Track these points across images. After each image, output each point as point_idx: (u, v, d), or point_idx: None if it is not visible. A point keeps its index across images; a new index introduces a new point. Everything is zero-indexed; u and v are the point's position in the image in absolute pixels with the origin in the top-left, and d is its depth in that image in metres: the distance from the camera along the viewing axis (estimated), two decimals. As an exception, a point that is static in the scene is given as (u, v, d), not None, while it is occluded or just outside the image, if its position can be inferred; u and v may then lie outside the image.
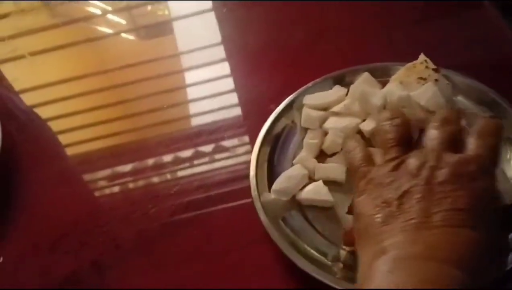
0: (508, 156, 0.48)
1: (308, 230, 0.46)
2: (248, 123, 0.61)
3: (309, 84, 0.57)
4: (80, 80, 0.73)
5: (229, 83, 0.68)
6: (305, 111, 0.53)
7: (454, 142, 0.37)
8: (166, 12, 0.86)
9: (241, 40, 0.73)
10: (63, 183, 0.58)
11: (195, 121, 0.66)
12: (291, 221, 0.47)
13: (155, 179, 0.57)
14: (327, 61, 0.64)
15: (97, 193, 0.58)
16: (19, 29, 0.83)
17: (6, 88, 0.74)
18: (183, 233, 0.50)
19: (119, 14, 0.85)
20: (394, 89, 0.50)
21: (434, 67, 0.51)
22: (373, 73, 0.54)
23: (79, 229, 0.52)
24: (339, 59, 0.64)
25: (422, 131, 0.40)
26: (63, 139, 0.66)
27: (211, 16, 0.79)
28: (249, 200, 0.49)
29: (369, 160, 0.39)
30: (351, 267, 0.42)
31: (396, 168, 0.36)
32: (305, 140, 0.52)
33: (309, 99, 0.55)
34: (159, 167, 0.58)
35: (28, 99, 0.72)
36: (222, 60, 0.72)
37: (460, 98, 0.53)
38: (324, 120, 0.53)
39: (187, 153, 0.59)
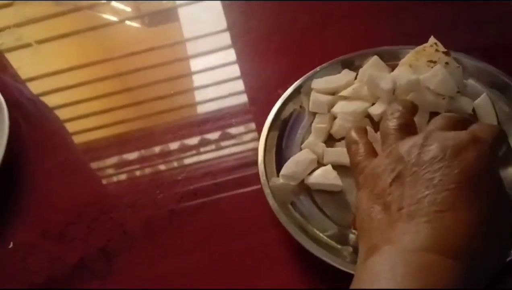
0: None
1: (317, 215, 0.46)
2: (255, 110, 0.61)
3: (317, 69, 0.56)
4: (85, 68, 0.73)
5: (235, 70, 0.67)
6: (314, 95, 0.53)
7: (454, 128, 0.34)
8: (171, -1, 0.85)
9: (247, 25, 0.72)
10: (70, 170, 0.58)
11: (201, 109, 0.65)
12: (300, 206, 0.47)
13: (162, 167, 0.57)
14: (334, 45, 0.63)
15: (104, 181, 0.58)
16: (24, 18, 0.82)
17: (11, 77, 0.73)
18: (191, 220, 0.50)
19: (123, 2, 0.84)
20: (403, 73, 0.49)
21: (444, 50, 0.51)
22: (382, 56, 0.54)
23: (86, 216, 0.52)
24: (347, 42, 0.63)
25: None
26: (69, 127, 0.66)
27: (216, 2, 0.79)
28: (257, 186, 0.48)
29: (369, 153, 0.38)
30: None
31: (388, 155, 0.34)
32: (313, 124, 0.52)
33: (317, 84, 0.54)
34: (165, 155, 0.58)
35: (33, 87, 0.72)
36: (227, 47, 0.71)
37: (471, 82, 0.53)
38: (332, 104, 0.52)
39: (193, 140, 0.58)
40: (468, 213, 0.29)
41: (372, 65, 0.52)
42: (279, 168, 0.49)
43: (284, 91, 0.55)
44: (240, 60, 0.68)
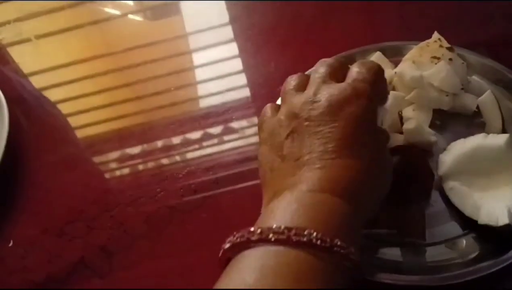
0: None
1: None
2: (257, 104, 0.60)
3: (320, 64, 0.56)
4: (87, 63, 0.73)
5: (238, 64, 0.67)
6: None
7: (336, 75, 0.39)
8: (174, -8, 0.85)
9: (249, 19, 0.72)
10: (71, 167, 0.58)
11: (204, 103, 0.65)
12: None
13: (164, 162, 0.57)
14: (337, 40, 0.63)
15: (104, 177, 0.58)
16: (25, 12, 0.82)
17: (12, 71, 0.73)
18: (192, 217, 0.50)
19: (126, -5, 0.84)
20: (406, 69, 0.49)
21: (448, 45, 0.50)
22: (385, 52, 0.53)
23: (87, 214, 0.52)
24: (350, 38, 0.62)
25: None
26: (71, 122, 0.66)
27: (220, -5, 0.78)
28: (258, 181, 0.48)
29: (273, 114, 0.40)
30: (362, 250, 0.41)
31: (284, 112, 0.38)
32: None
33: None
34: (167, 150, 0.57)
35: (35, 82, 0.72)
36: (230, 41, 0.70)
37: (475, 78, 0.52)
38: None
39: (195, 135, 0.58)
40: (354, 160, 0.34)
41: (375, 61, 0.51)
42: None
43: (286, 86, 0.54)
44: (243, 54, 0.68)
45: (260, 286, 0.27)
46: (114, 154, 0.59)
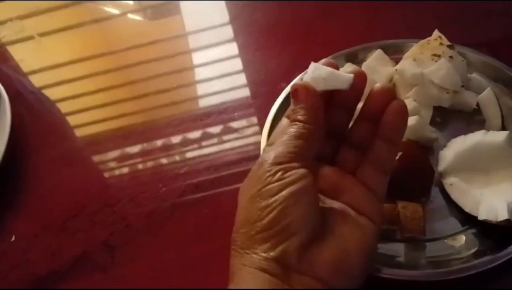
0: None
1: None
2: (257, 103, 0.60)
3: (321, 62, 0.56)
4: (87, 61, 0.73)
5: (238, 63, 0.67)
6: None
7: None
8: (173, -8, 0.85)
9: (249, 18, 0.72)
10: (73, 163, 0.58)
11: (204, 102, 0.65)
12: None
13: (164, 160, 0.57)
14: (337, 38, 0.63)
15: (106, 174, 0.58)
16: (26, 10, 0.82)
17: (14, 69, 0.73)
18: (193, 214, 0.50)
19: (126, -6, 0.84)
20: (407, 66, 0.49)
21: (449, 43, 0.50)
22: (386, 50, 0.53)
23: (89, 209, 0.52)
24: (351, 35, 0.63)
25: None
26: (71, 120, 0.66)
27: (220, -6, 0.78)
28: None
29: None
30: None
31: None
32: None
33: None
34: (168, 148, 0.58)
35: (35, 80, 0.72)
36: (230, 40, 0.71)
37: (475, 76, 0.52)
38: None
39: (196, 134, 0.58)
40: None
41: (375, 59, 0.52)
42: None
43: (287, 85, 0.55)
44: (243, 53, 0.68)
45: None
46: (116, 152, 0.59)
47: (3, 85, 0.63)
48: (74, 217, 0.52)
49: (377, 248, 0.35)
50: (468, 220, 0.42)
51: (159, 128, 0.60)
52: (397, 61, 0.52)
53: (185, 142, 0.58)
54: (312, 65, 0.35)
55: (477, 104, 0.50)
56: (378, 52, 0.53)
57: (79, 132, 0.65)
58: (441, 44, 0.50)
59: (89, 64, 0.72)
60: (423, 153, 0.46)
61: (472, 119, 0.50)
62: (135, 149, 0.58)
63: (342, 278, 0.31)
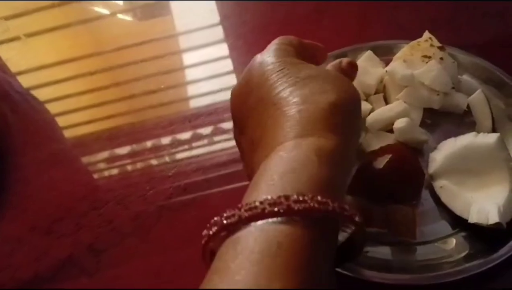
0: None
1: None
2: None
3: (310, 64, 0.55)
4: (76, 62, 0.72)
5: (228, 64, 0.67)
6: None
7: None
8: (163, -8, 0.84)
9: (240, 18, 0.71)
10: (59, 165, 0.57)
11: (194, 103, 0.64)
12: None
13: (153, 162, 0.56)
14: (328, 39, 0.62)
15: (93, 176, 0.57)
16: (13, 10, 0.81)
17: (0, 69, 0.72)
18: (181, 216, 0.49)
19: (115, -6, 0.84)
20: (397, 67, 0.49)
21: (439, 45, 0.50)
22: (376, 51, 0.53)
23: (75, 212, 0.51)
24: (341, 36, 0.62)
25: None
26: (59, 121, 0.65)
27: (210, -6, 0.78)
28: (247, 182, 0.47)
29: None
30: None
31: None
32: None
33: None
34: (156, 150, 0.57)
35: (23, 80, 0.71)
36: (220, 41, 0.70)
37: (465, 77, 0.52)
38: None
39: (185, 135, 0.57)
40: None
41: (366, 60, 0.52)
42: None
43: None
44: (233, 54, 0.67)
45: (265, 277, 0.22)
46: (103, 153, 0.58)
47: (-12, 85, 0.62)
48: (60, 220, 0.51)
49: None
50: (458, 223, 0.42)
51: (148, 129, 0.59)
52: (387, 62, 0.51)
53: (174, 144, 0.57)
54: None
55: (468, 106, 0.49)
56: (368, 53, 0.52)
57: (66, 133, 0.64)
58: (431, 45, 0.50)
59: (78, 64, 0.72)
60: (413, 156, 0.46)
61: (463, 121, 0.49)
62: (123, 150, 0.57)
63: None
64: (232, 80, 0.64)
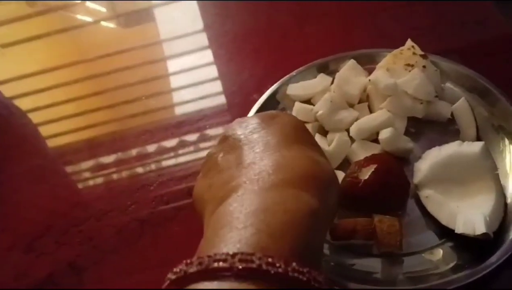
0: (500, 147, 0.46)
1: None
2: (233, 112, 0.59)
3: (293, 73, 0.55)
4: (59, 71, 0.71)
5: (212, 71, 0.66)
6: (298, 105, 0.51)
7: None
8: (147, -1, 0.83)
9: (224, 26, 0.71)
10: (38, 181, 0.56)
11: (178, 110, 0.64)
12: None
13: (136, 172, 0.55)
14: (310, 48, 0.62)
15: (74, 190, 0.56)
16: (-6, 19, 0.80)
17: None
18: (164, 230, 0.48)
19: (99, 2, 0.83)
20: (380, 76, 0.48)
21: (422, 53, 0.50)
22: (359, 60, 0.53)
23: (55, 229, 0.50)
24: (324, 45, 0.62)
25: None
26: (41, 131, 0.64)
27: (193, 2, 0.77)
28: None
29: None
30: (339, 263, 0.41)
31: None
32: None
33: (293, 90, 0.53)
34: (140, 159, 0.56)
35: (4, 90, 0.70)
36: (204, 48, 0.69)
37: (449, 85, 0.52)
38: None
39: (170, 143, 0.57)
40: (303, 150, 0.31)
41: (348, 69, 0.51)
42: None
43: (259, 96, 0.54)
44: (217, 61, 0.67)
45: None
46: (84, 165, 0.57)
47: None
48: (39, 237, 0.50)
49: None
50: (445, 232, 0.41)
51: (132, 138, 0.58)
52: (370, 71, 0.51)
53: (159, 152, 0.56)
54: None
55: (452, 114, 0.49)
56: (351, 62, 0.52)
57: (48, 144, 0.63)
58: (414, 53, 0.49)
59: (61, 73, 0.71)
60: (398, 165, 0.45)
61: (447, 129, 0.49)
62: (106, 160, 0.57)
63: None
64: (216, 87, 0.64)
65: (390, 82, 0.47)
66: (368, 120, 0.48)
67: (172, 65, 0.70)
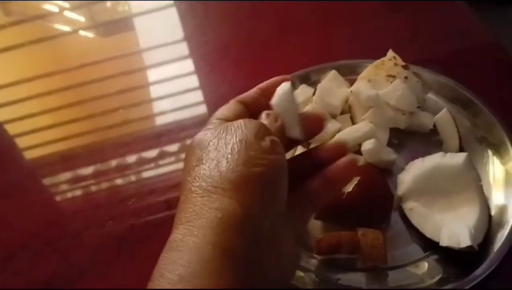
0: (483, 158, 0.46)
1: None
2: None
3: (274, 84, 0.54)
4: (35, 81, 0.70)
5: (193, 81, 0.65)
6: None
7: None
8: (126, 8, 0.83)
9: (204, 36, 0.70)
10: (11, 199, 0.54)
11: (158, 121, 0.63)
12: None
13: (115, 183, 0.54)
14: (291, 58, 0.62)
15: (48, 207, 0.54)
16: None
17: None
18: (142, 248, 0.47)
19: (77, 11, 0.82)
20: (362, 88, 0.48)
21: (403, 64, 0.50)
22: (340, 70, 0.52)
23: (29, 247, 0.48)
24: (305, 56, 0.61)
25: None
26: (14, 144, 0.62)
27: (173, 11, 0.77)
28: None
29: None
30: (324, 278, 0.41)
31: None
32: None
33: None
34: (119, 170, 0.55)
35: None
36: (185, 57, 0.69)
37: (431, 96, 0.52)
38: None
39: (150, 154, 0.56)
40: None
41: (330, 80, 0.51)
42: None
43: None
44: (198, 71, 0.66)
45: None
46: (61, 178, 0.56)
47: None
48: (12, 257, 0.48)
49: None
50: (430, 245, 0.41)
51: (110, 150, 0.57)
52: (352, 82, 0.51)
53: (139, 163, 0.55)
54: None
55: (434, 125, 0.49)
56: (333, 73, 0.51)
57: (22, 158, 0.61)
58: (395, 64, 0.49)
59: (39, 83, 0.69)
60: (382, 178, 0.45)
61: (430, 139, 0.49)
62: (83, 172, 0.55)
63: None
64: (197, 97, 0.63)
65: (372, 94, 0.46)
66: (350, 131, 0.47)
67: (152, 75, 0.69)
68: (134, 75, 0.69)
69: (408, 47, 0.57)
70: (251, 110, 0.35)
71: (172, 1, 0.78)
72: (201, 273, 0.25)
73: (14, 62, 0.74)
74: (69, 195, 0.54)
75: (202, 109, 0.61)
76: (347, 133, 0.47)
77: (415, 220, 0.42)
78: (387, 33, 0.63)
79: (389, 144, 0.48)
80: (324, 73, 0.53)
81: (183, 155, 0.53)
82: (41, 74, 0.70)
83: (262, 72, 0.60)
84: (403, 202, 0.44)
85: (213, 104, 0.60)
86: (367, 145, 0.45)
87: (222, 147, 0.30)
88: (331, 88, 0.49)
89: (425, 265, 0.41)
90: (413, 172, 0.44)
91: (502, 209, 0.42)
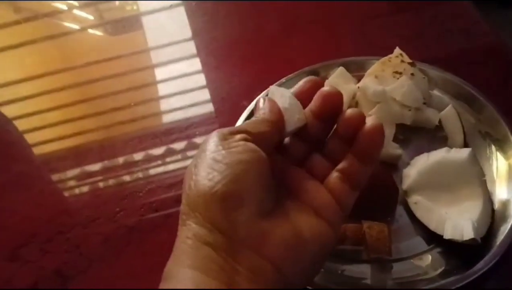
0: (487, 153, 0.47)
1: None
2: (221, 120, 0.59)
3: (283, 80, 0.55)
4: (45, 78, 0.70)
5: (201, 79, 0.66)
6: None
7: None
8: (135, 7, 0.83)
9: (212, 34, 0.71)
10: (25, 186, 0.55)
11: (166, 118, 0.63)
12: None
13: (123, 180, 0.55)
14: (300, 55, 0.62)
15: (60, 197, 0.55)
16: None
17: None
18: (152, 237, 0.48)
19: (86, 9, 0.83)
20: (369, 83, 0.49)
21: (410, 60, 0.50)
22: (348, 67, 0.53)
23: (40, 236, 0.49)
24: (313, 53, 0.62)
25: None
26: (26, 139, 0.63)
27: (181, 10, 0.77)
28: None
29: None
30: (329, 269, 0.41)
31: None
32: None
33: (282, 96, 0.52)
34: (127, 166, 0.56)
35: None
36: (192, 56, 0.69)
37: (436, 93, 0.52)
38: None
39: (157, 151, 0.56)
40: None
41: (338, 76, 0.51)
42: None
43: (249, 103, 0.54)
44: (205, 69, 0.67)
45: None
46: (71, 172, 0.57)
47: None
48: (24, 245, 0.49)
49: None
50: (433, 238, 0.42)
51: (119, 146, 0.58)
52: (359, 79, 0.51)
53: (147, 160, 0.56)
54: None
55: (439, 121, 0.49)
56: (340, 69, 0.52)
57: (34, 151, 0.62)
58: (402, 61, 0.50)
59: (48, 80, 0.70)
60: (387, 172, 0.46)
61: (435, 136, 0.50)
62: (93, 168, 0.56)
63: (293, 265, 0.29)
64: (205, 95, 0.63)
65: (379, 89, 0.47)
66: (357, 127, 0.48)
67: (160, 73, 0.69)
68: (143, 73, 0.70)
69: (414, 45, 0.58)
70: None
71: (181, 0, 0.79)
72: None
73: (24, 59, 0.75)
74: (80, 187, 0.55)
75: (210, 106, 0.62)
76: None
77: (419, 214, 0.43)
78: (393, 31, 0.63)
79: (395, 139, 0.49)
80: (332, 70, 0.53)
81: (191, 152, 0.55)
82: (51, 71, 0.71)
83: (269, 68, 0.61)
84: (408, 196, 0.44)
85: (221, 99, 0.61)
86: (372, 140, 0.46)
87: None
88: (338, 84, 0.50)
89: (428, 258, 0.41)
90: (418, 167, 0.44)
91: (505, 204, 0.42)
